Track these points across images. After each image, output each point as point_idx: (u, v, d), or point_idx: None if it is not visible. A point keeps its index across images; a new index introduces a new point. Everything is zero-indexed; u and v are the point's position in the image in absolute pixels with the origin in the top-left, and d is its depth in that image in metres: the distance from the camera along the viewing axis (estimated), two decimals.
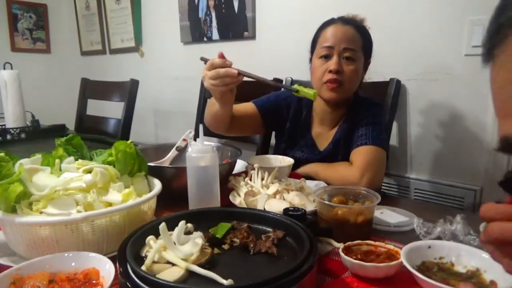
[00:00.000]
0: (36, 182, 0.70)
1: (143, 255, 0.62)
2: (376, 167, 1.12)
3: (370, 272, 0.63)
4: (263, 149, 1.84)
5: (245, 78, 1.06)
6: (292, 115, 1.33)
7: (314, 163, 1.22)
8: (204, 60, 1.07)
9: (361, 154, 1.13)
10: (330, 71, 1.15)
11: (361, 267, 0.63)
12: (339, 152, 1.25)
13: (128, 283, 0.52)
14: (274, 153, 1.31)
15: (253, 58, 2.27)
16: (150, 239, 0.63)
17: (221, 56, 1.02)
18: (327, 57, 1.17)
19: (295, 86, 1.02)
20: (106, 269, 0.58)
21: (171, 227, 0.64)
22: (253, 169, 1.03)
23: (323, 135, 1.30)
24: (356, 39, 1.17)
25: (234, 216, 0.74)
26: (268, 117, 1.34)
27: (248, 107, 1.32)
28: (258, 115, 1.32)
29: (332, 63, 1.15)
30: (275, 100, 1.34)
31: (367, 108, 1.23)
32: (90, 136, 1.90)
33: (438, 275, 0.62)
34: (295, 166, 1.18)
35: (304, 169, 1.21)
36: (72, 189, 0.71)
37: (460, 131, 1.58)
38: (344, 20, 1.19)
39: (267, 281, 0.49)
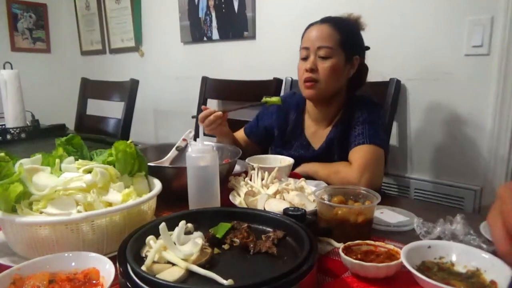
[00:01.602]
0: (36, 182, 0.70)
1: (143, 255, 0.62)
2: (375, 167, 1.12)
3: (370, 272, 0.63)
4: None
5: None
6: (279, 123, 1.39)
7: (314, 162, 1.22)
8: (195, 117, 1.40)
9: (359, 154, 1.13)
10: (306, 70, 1.20)
11: (361, 267, 0.63)
12: (334, 151, 1.26)
13: (128, 283, 0.52)
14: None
15: (253, 58, 2.27)
16: (150, 239, 0.63)
17: (205, 108, 1.28)
18: (305, 58, 1.22)
19: (263, 100, 1.29)
20: (106, 269, 0.58)
21: (171, 227, 0.64)
22: (253, 169, 1.03)
23: (317, 134, 1.32)
24: (330, 36, 1.18)
25: (234, 216, 0.74)
26: (258, 139, 1.46)
27: (241, 136, 1.48)
28: (250, 142, 1.46)
29: (308, 63, 1.19)
30: (259, 122, 1.46)
31: (363, 107, 1.24)
32: (90, 136, 1.90)
33: (438, 275, 0.62)
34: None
35: (304, 169, 1.21)
36: (72, 189, 0.71)
37: (460, 131, 1.58)
38: (323, 20, 1.22)
39: (267, 281, 0.49)
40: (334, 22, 1.20)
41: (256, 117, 1.48)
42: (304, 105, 1.35)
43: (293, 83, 1.93)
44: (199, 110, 2.25)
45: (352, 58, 1.22)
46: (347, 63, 1.21)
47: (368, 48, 1.29)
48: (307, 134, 1.33)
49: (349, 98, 1.28)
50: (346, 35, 1.20)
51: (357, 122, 1.20)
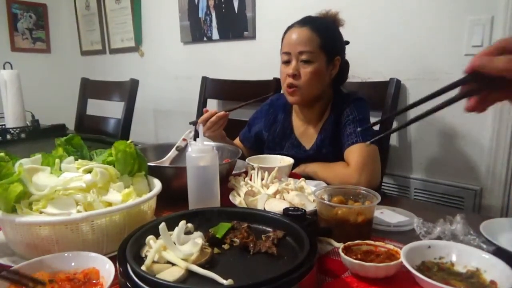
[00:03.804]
0: (36, 182, 0.70)
1: (143, 255, 0.62)
2: (372, 165, 1.13)
3: (370, 272, 0.63)
4: None
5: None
6: (268, 126, 1.40)
7: (313, 163, 1.22)
8: (193, 123, 1.39)
9: (355, 154, 1.14)
10: (288, 75, 1.20)
11: (361, 267, 0.63)
12: (326, 150, 1.26)
13: (128, 283, 0.52)
14: None
15: (253, 58, 2.27)
16: (150, 239, 0.63)
17: (206, 111, 1.29)
18: (287, 62, 1.21)
19: None
20: (106, 269, 0.58)
21: (171, 227, 0.64)
22: (253, 169, 1.03)
23: (307, 133, 1.32)
24: (311, 40, 1.18)
25: (234, 216, 0.74)
26: (252, 146, 1.48)
27: (237, 143, 1.49)
28: (246, 149, 1.48)
29: (290, 68, 1.20)
30: (250, 129, 1.48)
31: (350, 104, 1.24)
32: (90, 136, 1.90)
33: (438, 275, 0.62)
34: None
35: (303, 169, 1.21)
36: (72, 189, 0.71)
37: (460, 131, 1.58)
38: (302, 22, 1.22)
39: (267, 281, 0.49)
40: (313, 24, 1.20)
41: (247, 125, 1.50)
42: (291, 106, 1.36)
43: None
44: (199, 111, 2.26)
45: (334, 59, 1.22)
46: (329, 65, 1.22)
47: (347, 42, 1.29)
48: (297, 134, 1.34)
49: (335, 96, 1.29)
50: (326, 38, 1.19)
51: (347, 120, 1.21)
